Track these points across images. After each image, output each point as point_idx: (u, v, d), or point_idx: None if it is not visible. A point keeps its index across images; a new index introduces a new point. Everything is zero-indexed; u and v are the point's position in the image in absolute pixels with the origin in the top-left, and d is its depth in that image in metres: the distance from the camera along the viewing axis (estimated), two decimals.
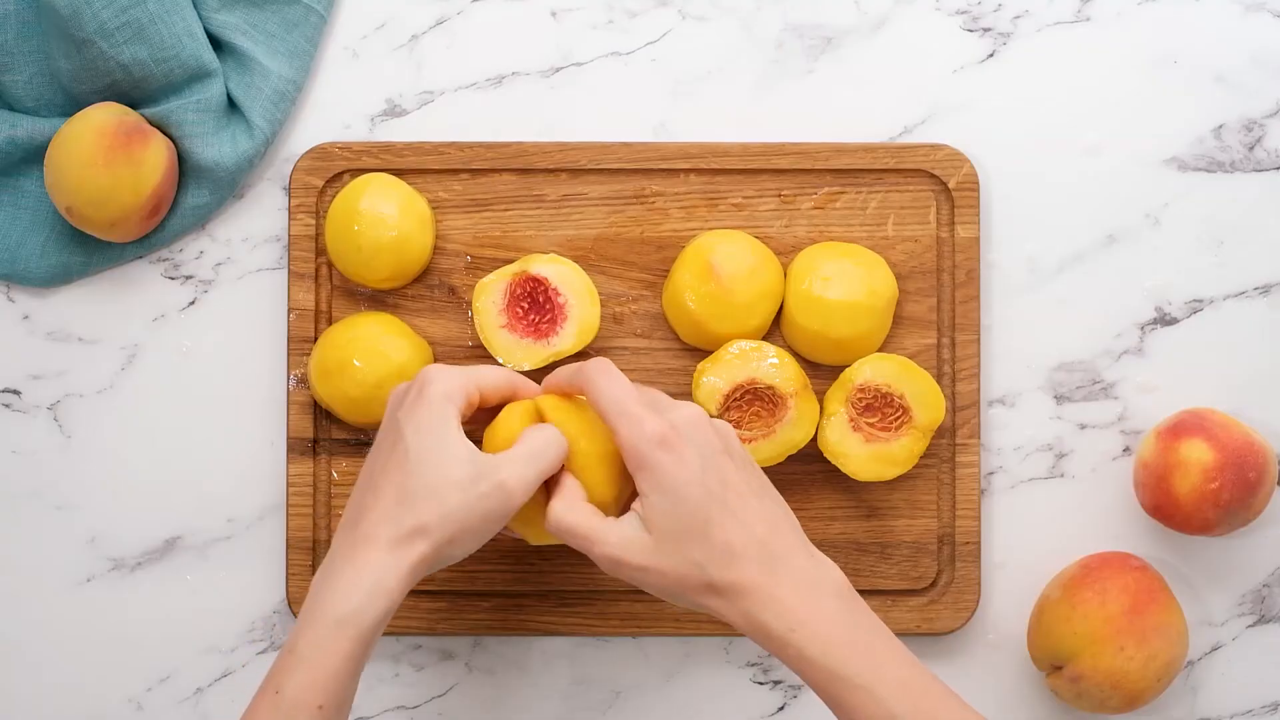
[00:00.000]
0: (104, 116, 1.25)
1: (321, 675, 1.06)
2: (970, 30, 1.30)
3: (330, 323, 1.28)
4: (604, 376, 1.11)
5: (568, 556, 1.27)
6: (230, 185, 1.28)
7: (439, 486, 1.08)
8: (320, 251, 1.28)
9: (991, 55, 1.30)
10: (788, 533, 1.10)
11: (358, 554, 1.08)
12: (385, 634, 1.27)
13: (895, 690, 1.06)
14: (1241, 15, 1.30)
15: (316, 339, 1.27)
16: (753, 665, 1.29)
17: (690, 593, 1.08)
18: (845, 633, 1.08)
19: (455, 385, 1.11)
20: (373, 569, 1.07)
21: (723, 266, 1.24)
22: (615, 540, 1.09)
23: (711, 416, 1.22)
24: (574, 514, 1.10)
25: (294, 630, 1.08)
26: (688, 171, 1.28)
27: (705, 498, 1.08)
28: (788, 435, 1.24)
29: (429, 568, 1.09)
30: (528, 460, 1.10)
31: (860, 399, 1.24)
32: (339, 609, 1.07)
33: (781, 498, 1.12)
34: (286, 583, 1.27)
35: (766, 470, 1.26)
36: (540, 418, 1.14)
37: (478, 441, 1.12)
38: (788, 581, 1.08)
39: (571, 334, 1.24)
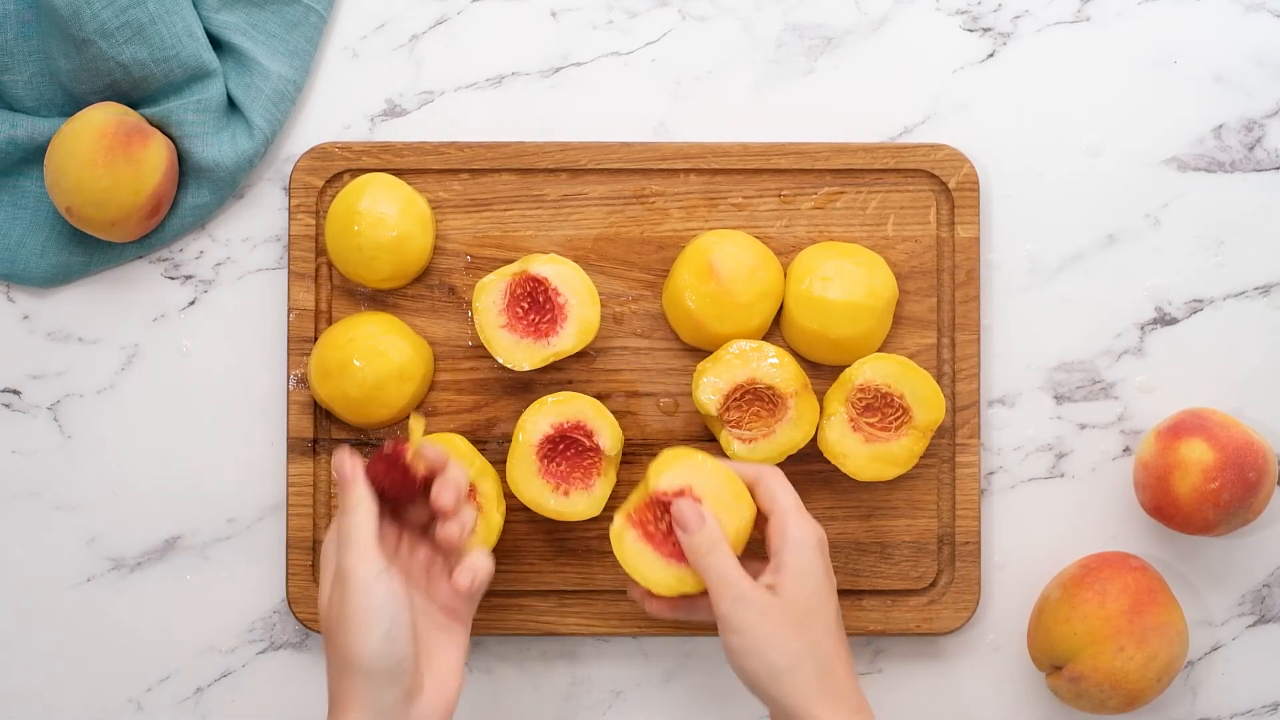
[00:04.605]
0: (104, 116, 1.25)
1: None
2: (970, 30, 1.30)
3: (330, 323, 1.28)
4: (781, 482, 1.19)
5: (568, 556, 1.27)
6: (230, 185, 1.28)
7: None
8: (320, 251, 1.28)
9: (991, 55, 1.30)
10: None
11: None
12: None
13: None
14: (1241, 15, 1.30)
15: (316, 339, 1.27)
16: None
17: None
18: None
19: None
20: None
21: (723, 266, 1.24)
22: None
23: (711, 416, 1.23)
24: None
25: None
26: (688, 171, 1.28)
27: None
28: (788, 435, 1.24)
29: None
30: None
31: (860, 399, 1.24)
32: None
33: None
34: (286, 583, 1.27)
35: None
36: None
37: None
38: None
39: (571, 334, 1.24)
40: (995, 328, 1.29)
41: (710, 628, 1.23)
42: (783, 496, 1.17)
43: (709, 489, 1.18)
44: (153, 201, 1.25)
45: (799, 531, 1.16)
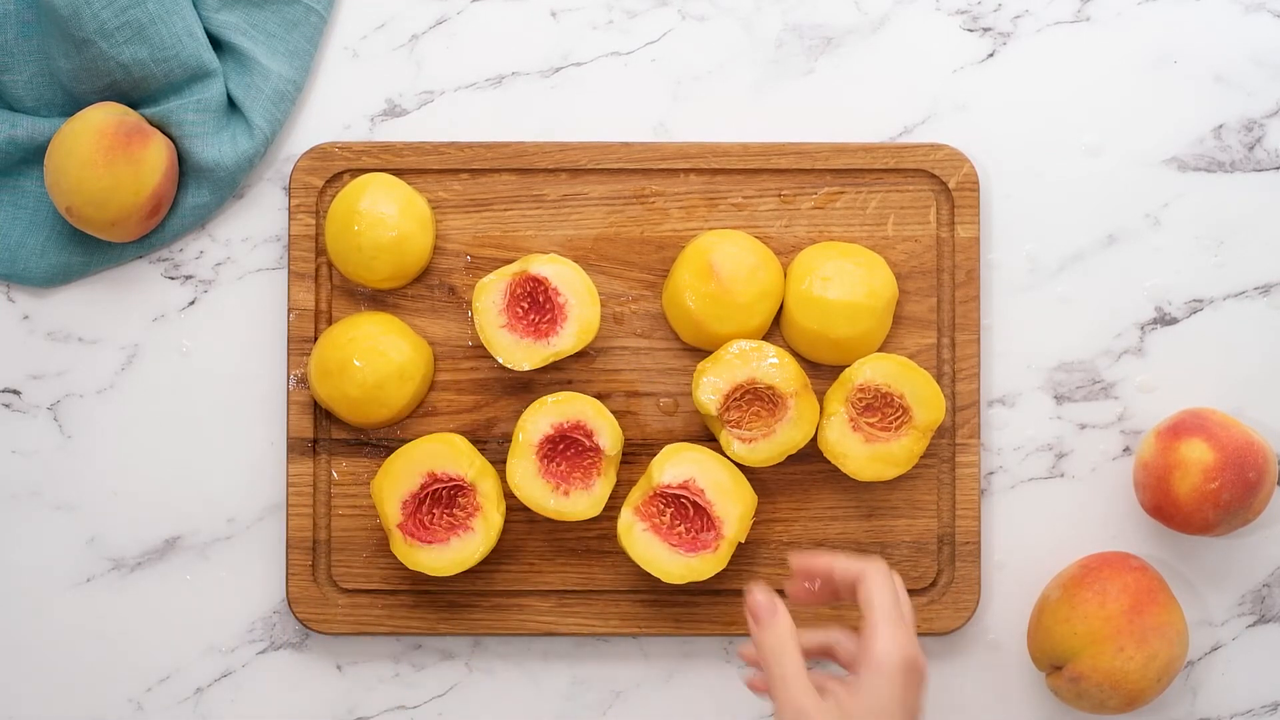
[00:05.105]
0: (104, 116, 1.25)
1: None
2: (970, 30, 1.30)
3: (330, 323, 1.28)
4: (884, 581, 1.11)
5: (568, 556, 1.27)
6: (230, 185, 1.28)
7: None
8: (320, 251, 1.28)
9: (991, 55, 1.30)
10: None
11: None
12: (386, 634, 1.27)
13: None
14: (1241, 15, 1.30)
15: (316, 339, 1.27)
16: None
17: None
18: None
19: None
20: None
21: (723, 266, 1.24)
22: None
23: (711, 416, 1.23)
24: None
25: None
26: (688, 171, 1.28)
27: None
28: (788, 435, 1.24)
29: None
30: None
31: (860, 399, 1.24)
32: None
33: None
34: (286, 583, 1.27)
35: (766, 470, 1.26)
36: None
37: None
38: None
39: (571, 334, 1.24)
40: (995, 328, 1.29)
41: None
42: (879, 604, 1.10)
43: (711, 479, 1.22)
44: (153, 201, 1.25)
45: (885, 647, 1.08)
